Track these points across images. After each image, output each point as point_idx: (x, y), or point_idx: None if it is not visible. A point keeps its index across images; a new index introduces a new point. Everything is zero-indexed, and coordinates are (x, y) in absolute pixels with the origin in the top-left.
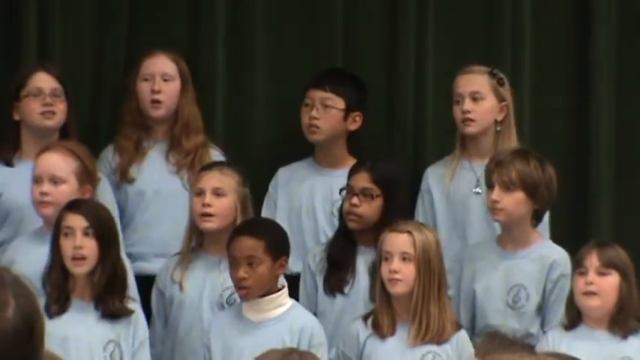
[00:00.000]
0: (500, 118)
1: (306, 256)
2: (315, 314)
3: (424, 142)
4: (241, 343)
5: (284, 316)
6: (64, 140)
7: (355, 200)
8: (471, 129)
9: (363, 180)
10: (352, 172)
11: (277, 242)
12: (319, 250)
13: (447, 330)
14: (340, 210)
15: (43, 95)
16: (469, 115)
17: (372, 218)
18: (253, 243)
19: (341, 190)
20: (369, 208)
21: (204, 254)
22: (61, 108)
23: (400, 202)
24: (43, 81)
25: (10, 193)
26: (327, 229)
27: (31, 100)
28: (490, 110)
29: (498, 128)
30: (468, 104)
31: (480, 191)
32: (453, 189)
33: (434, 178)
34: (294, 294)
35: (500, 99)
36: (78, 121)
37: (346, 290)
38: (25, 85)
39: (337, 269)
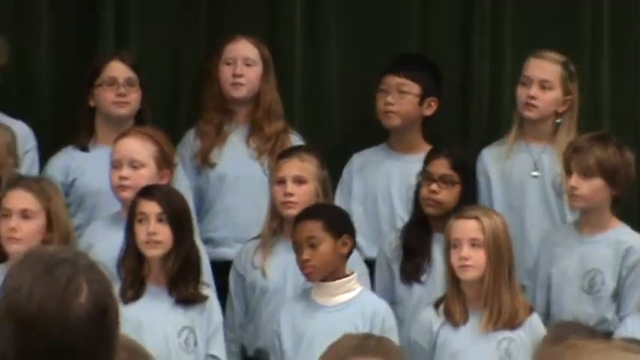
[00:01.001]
0: (561, 110)
1: (382, 244)
2: (392, 303)
3: (500, 128)
4: (312, 328)
5: (354, 301)
6: (141, 126)
7: (434, 187)
8: (532, 114)
9: (442, 166)
10: (430, 159)
11: (335, 221)
12: (394, 238)
13: (519, 314)
14: (415, 196)
15: (117, 85)
16: (533, 102)
17: (450, 205)
18: (311, 224)
19: (418, 176)
20: (448, 195)
21: (284, 239)
22: (134, 97)
23: (474, 189)
24: (118, 70)
25: (85, 179)
26: (403, 215)
27: (105, 88)
28: (554, 101)
29: (558, 120)
30: (534, 90)
31: (537, 174)
32: (509, 171)
33: (490, 159)
34: (373, 279)
35: (567, 92)
36: (157, 106)
37: (423, 278)
38: (100, 73)
39: (413, 257)
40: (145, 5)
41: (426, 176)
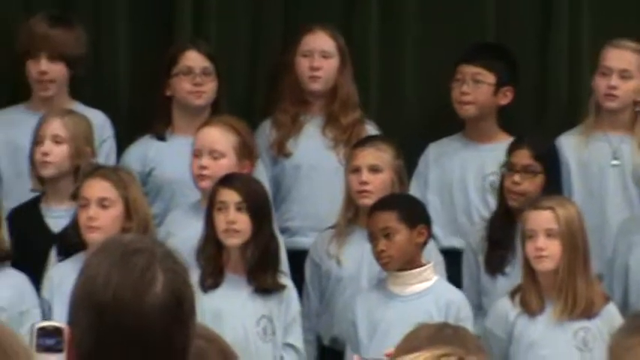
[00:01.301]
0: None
1: (466, 235)
2: (479, 294)
3: (576, 118)
4: (387, 317)
5: (430, 290)
6: (220, 116)
7: (517, 178)
8: (613, 104)
9: (524, 157)
10: (512, 150)
11: (411, 211)
12: (480, 229)
13: (595, 304)
14: (500, 188)
15: (193, 74)
16: (614, 92)
17: (534, 195)
18: (386, 215)
19: (501, 167)
20: (531, 186)
21: (359, 228)
22: (210, 87)
23: (558, 178)
24: (194, 59)
25: (162, 168)
26: (479, 204)
27: (181, 78)
28: (634, 90)
29: (638, 109)
30: (615, 80)
31: (618, 163)
32: (587, 159)
33: (568, 147)
34: (448, 269)
35: None
36: (234, 96)
37: (507, 270)
38: (177, 62)
39: (497, 249)
40: None
41: (508, 168)
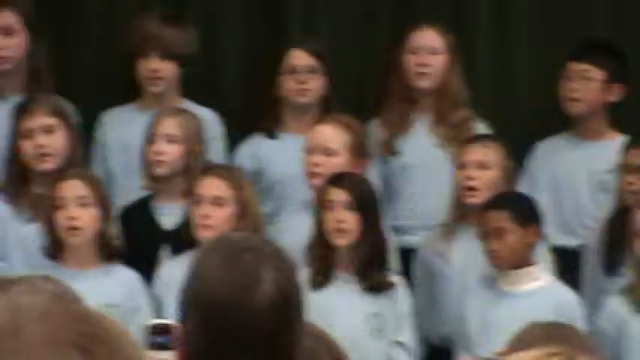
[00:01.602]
0: None
1: (584, 234)
2: (598, 293)
3: None
4: (498, 315)
5: (541, 289)
6: (335, 114)
7: (632, 178)
8: None
9: (639, 157)
10: (627, 149)
11: (523, 211)
12: (598, 228)
13: None
14: (616, 188)
15: (298, 73)
16: None
17: None
18: (498, 214)
19: (615, 167)
20: None
21: (468, 226)
22: (316, 84)
23: None
24: (299, 58)
25: (274, 166)
26: (589, 202)
27: (287, 77)
28: None
29: None
30: None
31: None
32: None
33: None
34: (558, 267)
35: None
36: (344, 95)
37: (624, 270)
38: (283, 61)
39: (614, 248)
40: None
41: (623, 167)
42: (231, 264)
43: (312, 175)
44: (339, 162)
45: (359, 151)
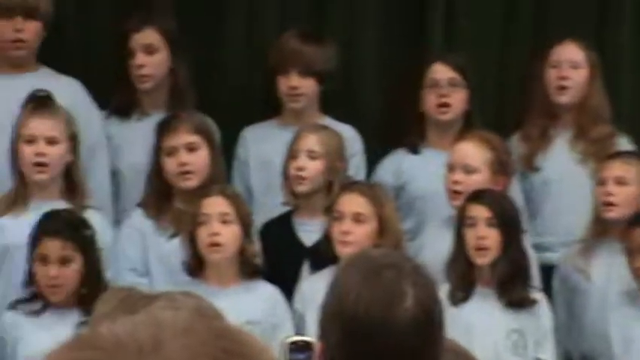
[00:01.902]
0: None
1: None
2: None
3: None
4: None
5: None
6: (476, 131)
7: None
8: None
9: None
10: None
11: None
12: None
13: None
14: None
15: (439, 87)
16: None
17: None
18: None
19: None
20: None
21: (608, 242)
22: (457, 98)
23: None
24: (440, 72)
25: (416, 182)
26: None
27: (428, 91)
28: None
29: None
30: None
31: None
32: None
33: None
34: None
35: None
36: (484, 110)
37: None
38: (425, 76)
39: None
40: (475, 6)
41: None
42: (372, 280)
43: (452, 192)
44: (479, 179)
45: (500, 168)
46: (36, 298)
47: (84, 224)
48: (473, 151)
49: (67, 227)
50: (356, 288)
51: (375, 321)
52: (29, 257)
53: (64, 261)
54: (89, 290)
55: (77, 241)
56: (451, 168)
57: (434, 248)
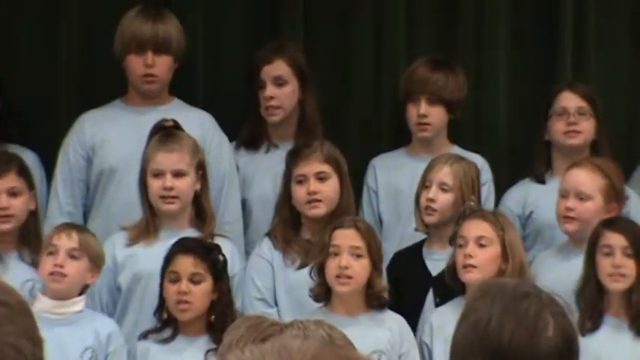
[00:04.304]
0: None
1: None
2: None
3: None
4: None
5: None
6: (589, 157)
7: None
8: None
9: None
10: None
11: None
12: None
13: None
14: None
15: (567, 114)
16: None
17: None
18: None
19: None
20: None
21: None
22: (585, 126)
23: None
24: (569, 100)
25: (542, 211)
26: None
27: (556, 119)
28: None
29: None
30: None
31: None
32: None
33: None
34: None
35: None
36: (613, 136)
37: None
38: (553, 104)
39: None
40: (602, 37)
41: None
42: (514, 310)
43: (564, 218)
44: (592, 207)
45: (613, 194)
46: (166, 325)
47: (217, 249)
48: (586, 178)
49: (200, 247)
50: (498, 317)
51: (519, 351)
52: (162, 282)
53: (194, 279)
54: (218, 317)
55: (209, 263)
56: (564, 194)
57: (548, 275)
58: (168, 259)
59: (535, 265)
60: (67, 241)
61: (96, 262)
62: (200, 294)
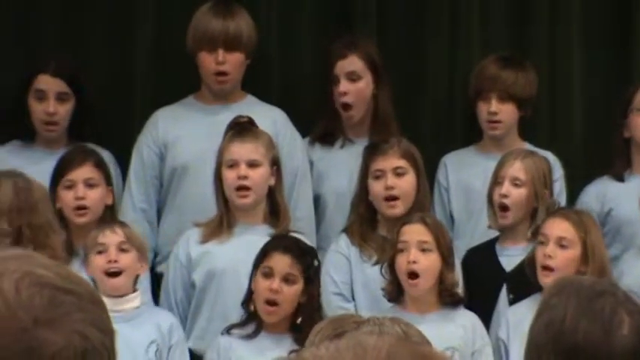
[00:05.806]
0: None
1: None
2: None
3: None
4: None
5: None
6: None
7: None
8: None
9: None
10: None
11: None
12: None
13: None
14: None
15: None
16: None
17: None
18: None
19: None
20: None
21: None
22: None
23: None
24: None
25: (622, 209)
26: None
27: (635, 115)
28: None
29: None
30: None
31: None
32: None
33: None
34: None
35: None
36: None
37: None
38: (632, 101)
39: None
40: None
41: None
42: (589, 309)
43: None
44: None
45: None
46: (250, 321)
47: (314, 253)
48: None
49: (298, 249)
50: (572, 315)
51: (594, 349)
52: (252, 275)
53: (288, 279)
54: (305, 320)
55: (304, 266)
56: None
57: (634, 273)
58: (264, 253)
59: (621, 264)
60: (114, 237)
61: (142, 252)
62: (290, 295)
